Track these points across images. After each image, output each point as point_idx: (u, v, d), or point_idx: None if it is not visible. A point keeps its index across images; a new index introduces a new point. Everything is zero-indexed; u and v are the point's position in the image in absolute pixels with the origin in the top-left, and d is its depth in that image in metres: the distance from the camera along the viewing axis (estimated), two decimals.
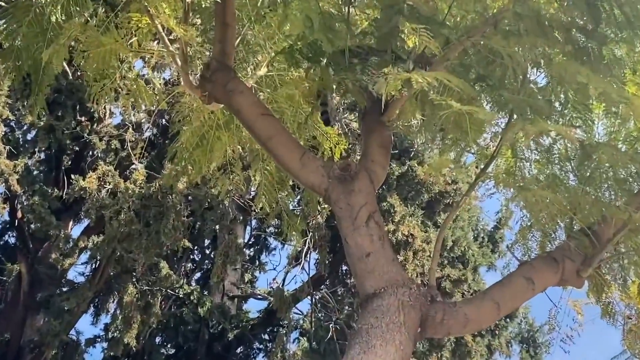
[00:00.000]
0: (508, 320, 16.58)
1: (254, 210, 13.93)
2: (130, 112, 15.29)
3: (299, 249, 16.04)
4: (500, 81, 5.21)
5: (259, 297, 17.79)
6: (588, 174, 5.20)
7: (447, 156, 5.89)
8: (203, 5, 5.64)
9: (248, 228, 18.54)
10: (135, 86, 6.11)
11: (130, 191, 13.72)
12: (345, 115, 15.16)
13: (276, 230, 18.01)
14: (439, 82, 4.34)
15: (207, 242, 18.59)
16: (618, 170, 5.21)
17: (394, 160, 15.47)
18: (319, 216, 14.20)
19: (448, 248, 15.49)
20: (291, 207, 16.24)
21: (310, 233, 14.81)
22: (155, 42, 8.31)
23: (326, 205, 12.86)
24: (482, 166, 5.49)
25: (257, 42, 6.64)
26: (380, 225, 4.74)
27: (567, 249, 5.09)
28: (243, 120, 5.32)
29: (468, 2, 5.10)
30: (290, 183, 7.27)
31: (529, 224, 5.43)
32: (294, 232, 7.61)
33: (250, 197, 15.34)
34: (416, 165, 15.40)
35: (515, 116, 4.92)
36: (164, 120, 15.90)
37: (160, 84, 13.97)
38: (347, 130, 15.11)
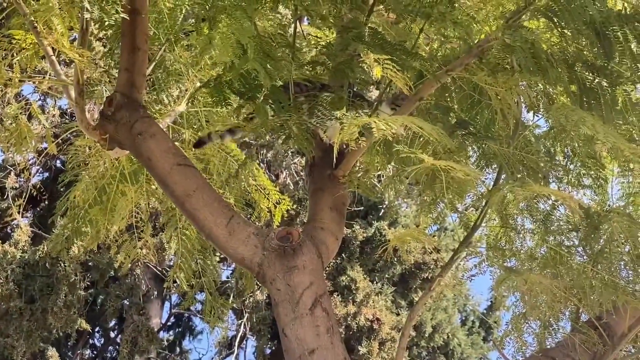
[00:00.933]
0: None
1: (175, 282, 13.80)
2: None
3: (232, 333, 15.92)
4: (486, 128, 5.28)
5: None
6: (598, 248, 5.25)
7: (427, 217, 5.88)
8: (106, 22, 5.62)
9: (167, 304, 18.38)
10: (14, 124, 6.05)
11: (9, 256, 13.51)
12: (296, 161, 15.17)
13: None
14: (408, 129, 4.37)
15: (111, 322, 18.34)
16: (638, 244, 5.26)
17: (358, 219, 15.51)
18: (257, 292, 14.13)
19: (427, 336, 15.48)
20: (224, 278, 16.18)
21: (247, 314, 14.70)
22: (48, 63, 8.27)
23: None
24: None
25: (177, 68, 6.63)
26: (329, 314, 4.70)
27: (571, 347, 5.12)
28: (154, 171, 5.25)
29: (445, 23, 5.13)
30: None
31: (522, 311, 5.45)
32: (222, 313, 7.53)
33: (171, 263, 15.24)
34: (386, 227, 15.45)
35: (504, 174, 4.98)
36: (58, 162, 15.77)
37: (53, 116, 13.88)
38: (297, 179, 15.13)
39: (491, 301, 18.53)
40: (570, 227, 5.31)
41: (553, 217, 5.27)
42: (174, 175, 5.11)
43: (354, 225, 15.23)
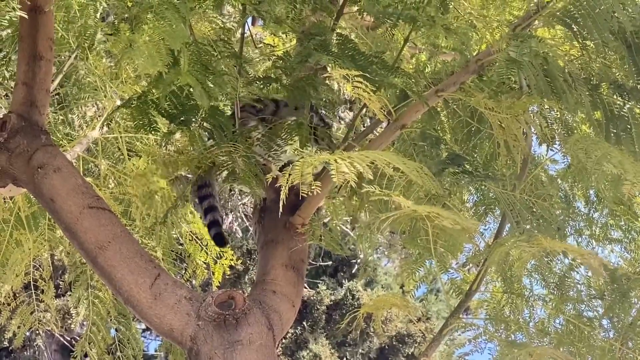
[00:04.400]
0: None
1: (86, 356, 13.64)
2: None
3: None
4: (486, 165, 5.26)
5: None
6: (628, 320, 5.24)
7: (412, 277, 5.82)
8: None
9: None
10: None
11: None
12: (245, 201, 15.08)
13: None
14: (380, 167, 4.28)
15: None
16: None
17: (325, 277, 15.45)
18: None
19: None
20: (151, 351, 15.97)
21: None
22: None
23: None
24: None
25: (92, 82, 6.59)
26: None
27: None
28: (58, 215, 5.11)
29: (436, 29, 5.04)
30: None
31: None
32: None
33: (83, 330, 15.12)
34: (360, 288, 15.38)
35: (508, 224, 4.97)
36: None
37: None
38: (247, 224, 15.06)
39: None
40: (592, 293, 5.30)
41: (570, 280, 5.26)
42: (83, 221, 4.98)
43: (320, 285, 15.16)
